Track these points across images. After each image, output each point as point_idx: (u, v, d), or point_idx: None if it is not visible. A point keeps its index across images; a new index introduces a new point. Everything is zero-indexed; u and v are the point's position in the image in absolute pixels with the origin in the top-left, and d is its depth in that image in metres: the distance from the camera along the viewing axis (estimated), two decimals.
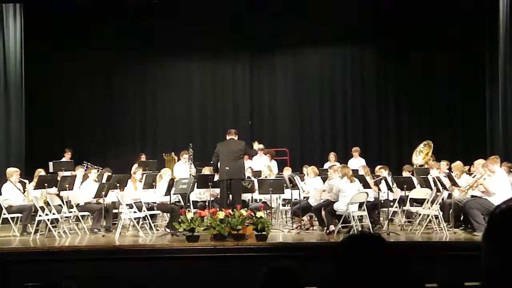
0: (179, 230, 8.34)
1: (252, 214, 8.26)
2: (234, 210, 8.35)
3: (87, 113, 14.96)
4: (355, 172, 9.75)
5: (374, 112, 15.08)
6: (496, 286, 1.11)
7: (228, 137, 9.62)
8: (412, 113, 14.78)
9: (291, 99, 15.27)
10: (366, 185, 9.31)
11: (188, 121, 15.21)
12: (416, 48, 14.38)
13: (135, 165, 11.61)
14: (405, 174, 10.56)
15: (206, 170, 10.45)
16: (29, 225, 9.30)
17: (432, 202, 8.90)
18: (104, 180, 10.23)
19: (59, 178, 9.93)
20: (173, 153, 12.74)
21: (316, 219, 9.57)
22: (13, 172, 9.71)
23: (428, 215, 8.88)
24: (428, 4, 13.91)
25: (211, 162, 9.84)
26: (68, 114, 14.75)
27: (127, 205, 9.28)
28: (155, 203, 9.68)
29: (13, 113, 12.51)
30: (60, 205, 9.48)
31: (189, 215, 8.25)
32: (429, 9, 13.90)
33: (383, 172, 10.24)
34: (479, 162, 9.14)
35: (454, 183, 9.00)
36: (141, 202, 9.44)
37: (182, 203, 9.61)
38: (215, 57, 15.25)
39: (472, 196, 8.96)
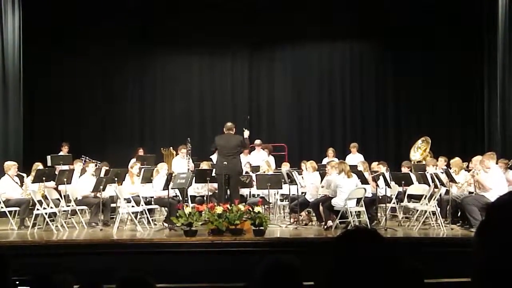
0: (177, 224, 8.36)
1: (250, 209, 8.27)
2: (232, 205, 8.35)
3: (86, 107, 14.94)
4: (353, 167, 9.77)
5: (373, 108, 15.13)
6: (486, 281, 1.12)
7: (225, 131, 9.61)
8: (410, 110, 14.82)
9: (290, 95, 15.28)
10: (364, 180, 9.33)
11: (187, 116, 15.20)
12: (416, 47, 14.41)
13: (133, 160, 11.60)
14: (404, 170, 10.60)
15: (204, 165, 10.45)
16: (26, 218, 9.31)
17: (430, 198, 8.92)
18: (102, 174, 10.23)
19: (57, 172, 9.92)
20: (171, 147, 12.74)
21: (314, 214, 9.59)
22: (11, 166, 9.70)
23: (425, 211, 8.90)
24: (427, 3, 13.94)
25: (211, 150, 9.83)
26: (67, 108, 14.75)
27: (125, 199, 9.28)
28: (153, 197, 9.69)
29: (11, 106, 12.47)
30: (58, 199, 9.47)
31: (187, 210, 8.26)
32: (428, 8, 13.93)
33: (381, 168, 10.27)
34: (477, 159, 9.18)
35: (451, 180, 9.02)
36: (139, 196, 9.44)
37: (180, 198, 9.61)
38: (214, 53, 15.25)
39: (470, 193, 9.01)
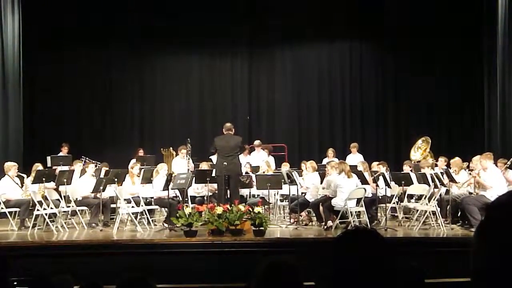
0: (177, 225, 8.36)
1: (250, 209, 8.27)
2: (232, 205, 8.35)
3: (85, 108, 14.95)
4: (353, 168, 9.77)
5: (373, 108, 15.13)
6: (486, 281, 1.11)
7: (224, 132, 9.61)
8: (410, 110, 14.82)
9: (290, 95, 15.28)
10: (364, 181, 9.32)
11: (187, 117, 15.21)
12: (416, 47, 14.43)
13: (133, 160, 11.60)
14: (406, 168, 10.61)
15: (204, 165, 10.45)
16: (27, 219, 9.30)
17: (430, 198, 8.92)
18: (102, 175, 10.22)
19: (57, 173, 9.92)
20: (171, 148, 12.74)
21: (314, 214, 9.59)
22: (11, 166, 9.69)
23: (425, 211, 8.90)
24: (427, 3, 13.95)
25: (211, 151, 9.81)
26: (67, 108, 14.75)
27: (125, 200, 9.28)
28: (153, 198, 9.69)
29: (11, 107, 12.48)
30: (58, 199, 9.47)
31: (187, 210, 8.26)
32: (428, 8, 13.94)
33: (381, 168, 10.27)
34: (477, 159, 9.20)
35: (452, 179, 9.03)
36: (139, 197, 9.43)
37: (180, 198, 9.62)
38: (214, 53, 15.25)
39: (470, 193, 9.03)
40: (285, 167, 11.07)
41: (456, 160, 10.02)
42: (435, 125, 14.42)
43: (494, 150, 11.16)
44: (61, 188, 9.71)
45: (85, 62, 14.52)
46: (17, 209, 9.35)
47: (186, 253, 7.73)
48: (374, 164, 10.86)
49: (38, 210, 8.89)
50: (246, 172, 10.49)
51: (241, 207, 8.30)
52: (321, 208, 9.10)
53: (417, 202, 9.58)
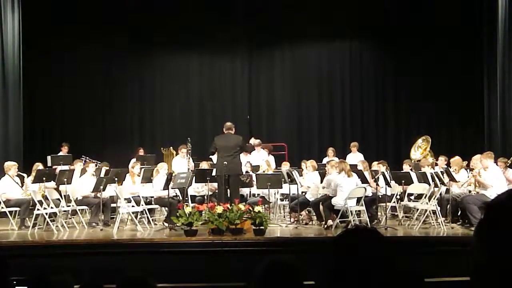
0: (177, 224, 8.36)
1: (250, 208, 8.27)
2: (232, 204, 8.35)
3: (86, 107, 14.94)
4: (353, 167, 9.78)
5: (373, 108, 15.13)
6: (485, 281, 1.12)
7: (225, 131, 9.61)
8: (410, 110, 14.82)
9: (290, 94, 15.29)
10: (364, 180, 9.33)
11: (187, 116, 15.22)
12: (416, 47, 14.42)
13: (133, 160, 11.60)
14: (406, 167, 10.61)
15: (204, 165, 10.46)
16: (27, 219, 9.30)
17: (430, 197, 8.92)
18: (102, 174, 10.22)
19: (57, 172, 9.92)
20: (171, 147, 12.75)
21: (314, 213, 9.59)
22: (11, 166, 9.70)
23: (426, 210, 8.91)
24: (427, 3, 13.96)
25: (211, 151, 9.77)
26: (67, 108, 14.76)
27: (125, 199, 9.28)
28: (153, 197, 9.69)
29: (11, 107, 12.48)
30: (58, 199, 9.47)
31: (187, 209, 8.26)
32: (428, 8, 13.95)
33: (381, 167, 10.27)
34: (477, 158, 9.20)
35: (452, 179, 9.03)
36: (139, 196, 9.44)
37: (180, 197, 9.62)
38: (214, 53, 15.25)
39: (470, 191, 9.04)
40: (285, 166, 11.07)
41: (456, 159, 10.02)
42: (435, 125, 14.42)
43: (494, 150, 11.15)
44: (61, 187, 9.71)
45: (85, 62, 14.51)
46: (17, 209, 9.36)
47: (186, 252, 7.73)
48: (374, 163, 10.87)
49: (38, 209, 8.90)
50: (246, 172, 10.49)
51: (241, 206, 8.30)
52: (321, 207, 9.10)
53: (416, 201, 9.58)
